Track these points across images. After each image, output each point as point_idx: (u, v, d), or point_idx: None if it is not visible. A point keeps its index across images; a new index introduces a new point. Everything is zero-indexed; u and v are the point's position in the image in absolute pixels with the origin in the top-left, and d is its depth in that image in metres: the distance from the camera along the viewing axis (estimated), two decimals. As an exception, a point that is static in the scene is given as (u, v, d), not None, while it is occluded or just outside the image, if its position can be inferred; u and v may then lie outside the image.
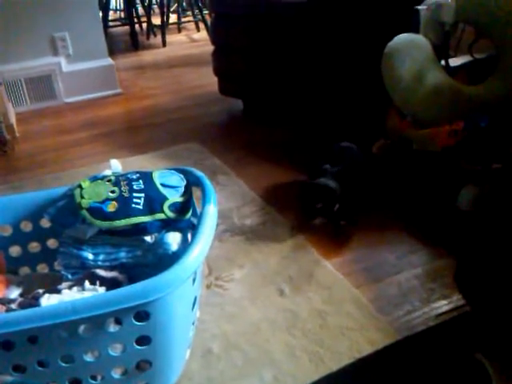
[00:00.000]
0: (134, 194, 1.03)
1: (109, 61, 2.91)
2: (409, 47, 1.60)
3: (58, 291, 0.95)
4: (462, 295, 1.13)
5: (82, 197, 1.04)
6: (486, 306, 1.02)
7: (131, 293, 0.82)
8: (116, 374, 0.91)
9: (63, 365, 0.85)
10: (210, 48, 2.45)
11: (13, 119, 2.38)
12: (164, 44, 4.09)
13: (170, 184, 1.08)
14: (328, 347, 1.07)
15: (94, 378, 0.90)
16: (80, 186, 1.07)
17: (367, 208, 1.56)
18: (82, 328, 0.83)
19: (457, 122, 1.49)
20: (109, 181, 1.08)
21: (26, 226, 1.18)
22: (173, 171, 1.14)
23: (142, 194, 1.04)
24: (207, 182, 1.07)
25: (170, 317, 0.89)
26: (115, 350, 0.88)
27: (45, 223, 1.16)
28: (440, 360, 1.01)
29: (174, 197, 1.06)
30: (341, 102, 1.97)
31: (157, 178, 1.09)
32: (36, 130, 2.46)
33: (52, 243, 1.18)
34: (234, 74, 2.36)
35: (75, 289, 0.95)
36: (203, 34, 4.31)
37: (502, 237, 1.04)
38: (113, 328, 0.85)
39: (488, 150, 1.46)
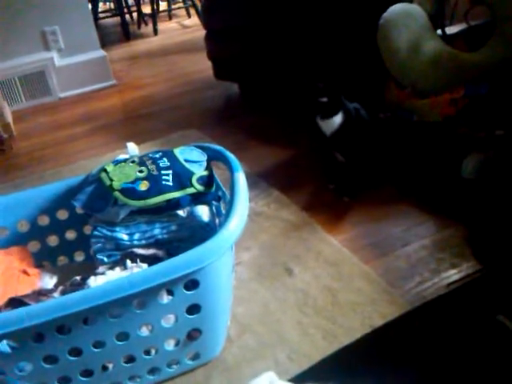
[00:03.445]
0: (163, 172, 1.06)
1: (101, 52, 2.88)
2: (404, 17, 1.57)
3: (101, 273, 0.96)
4: (477, 259, 1.12)
5: (111, 179, 1.05)
6: (501, 268, 1.02)
7: (182, 262, 0.84)
8: (169, 346, 0.93)
9: (118, 343, 0.87)
10: (202, 33, 2.42)
11: (9, 118, 2.37)
12: (156, 32, 4.05)
13: (193, 159, 1.11)
14: (341, 324, 1.06)
15: (147, 353, 0.92)
16: (105, 170, 1.08)
17: (370, 182, 1.55)
18: (135, 303, 0.84)
19: (457, 90, 1.47)
20: (133, 162, 1.10)
21: (63, 215, 1.20)
22: (192, 147, 1.16)
23: (170, 171, 1.06)
24: (228, 153, 1.11)
25: (217, 283, 0.92)
26: (168, 322, 0.89)
27: (81, 210, 1.16)
28: (461, 325, 1.01)
29: (199, 171, 1.08)
30: (339, 78, 1.94)
31: (179, 155, 1.11)
32: (33, 127, 2.44)
33: (87, 229, 1.20)
34: (228, 57, 2.33)
35: (118, 269, 0.97)
36: (194, 20, 4.27)
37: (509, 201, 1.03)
38: (166, 299, 0.86)
39: (490, 116, 1.45)
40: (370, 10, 1.67)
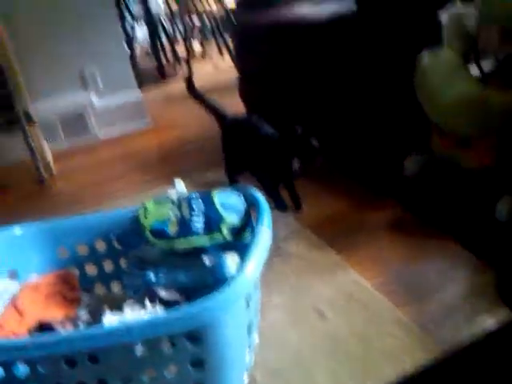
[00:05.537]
0: (194, 215, 1.07)
1: (138, 93, 2.98)
2: (435, 61, 1.58)
3: (121, 310, 1.00)
4: (506, 305, 1.10)
5: (146, 217, 1.08)
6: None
7: (180, 317, 0.85)
8: None
9: (121, 384, 0.88)
10: (235, 74, 2.49)
11: (49, 157, 2.44)
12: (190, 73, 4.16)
13: (230, 204, 1.11)
14: (373, 370, 1.05)
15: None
16: (144, 207, 1.11)
17: (403, 222, 1.54)
18: (138, 349, 0.86)
19: (493, 137, 1.46)
20: (171, 202, 1.12)
21: (101, 246, 1.24)
22: (233, 192, 1.16)
23: (202, 215, 1.07)
24: (263, 202, 1.08)
25: (223, 340, 0.90)
26: (170, 372, 0.90)
27: (117, 244, 1.21)
28: (496, 372, 0.98)
29: (233, 218, 1.08)
30: (372, 117, 1.95)
31: (217, 199, 1.12)
32: (72, 167, 2.51)
33: (124, 262, 1.23)
34: (260, 98, 2.39)
35: (137, 308, 1.00)
36: (227, 61, 4.37)
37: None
38: (167, 350, 0.87)
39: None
40: (405, 54, 1.68)
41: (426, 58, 1.60)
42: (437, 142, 1.62)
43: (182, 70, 4.35)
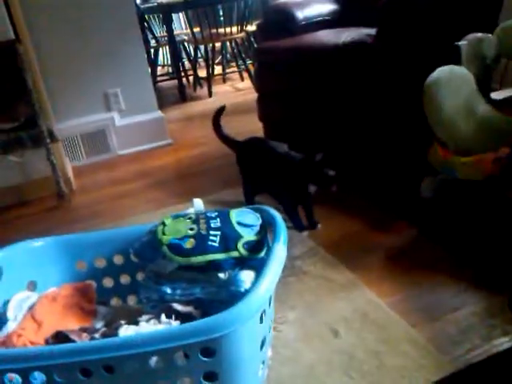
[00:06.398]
0: (211, 232, 1.09)
1: (159, 113, 3.04)
2: (455, 79, 1.56)
3: (137, 323, 1.01)
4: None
5: (164, 233, 1.10)
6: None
7: (195, 329, 0.86)
8: None
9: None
10: (254, 96, 2.53)
11: (70, 173, 2.50)
12: (210, 95, 4.22)
13: (246, 223, 1.13)
14: (387, 388, 1.04)
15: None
16: (163, 223, 1.14)
17: (417, 243, 1.54)
18: (153, 360, 0.87)
19: (502, 149, 1.44)
20: (189, 218, 1.14)
21: (118, 260, 1.27)
22: (249, 210, 1.18)
23: (219, 232, 1.09)
24: (280, 221, 1.10)
25: (236, 354, 0.90)
26: None
27: (134, 257, 1.23)
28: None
29: (249, 235, 1.10)
30: (389, 139, 1.97)
31: (233, 217, 1.14)
32: (92, 183, 2.57)
33: (141, 276, 1.25)
34: (278, 119, 2.41)
35: (152, 321, 1.01)
36: (247, 83, 4.43)
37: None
38: (181, 362, 0.88)
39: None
40: (416, 75, 1.69)
41: (445, 74, 1.58)
42: (438, 153, 1.59)
43: (202, 92, 4.42)
